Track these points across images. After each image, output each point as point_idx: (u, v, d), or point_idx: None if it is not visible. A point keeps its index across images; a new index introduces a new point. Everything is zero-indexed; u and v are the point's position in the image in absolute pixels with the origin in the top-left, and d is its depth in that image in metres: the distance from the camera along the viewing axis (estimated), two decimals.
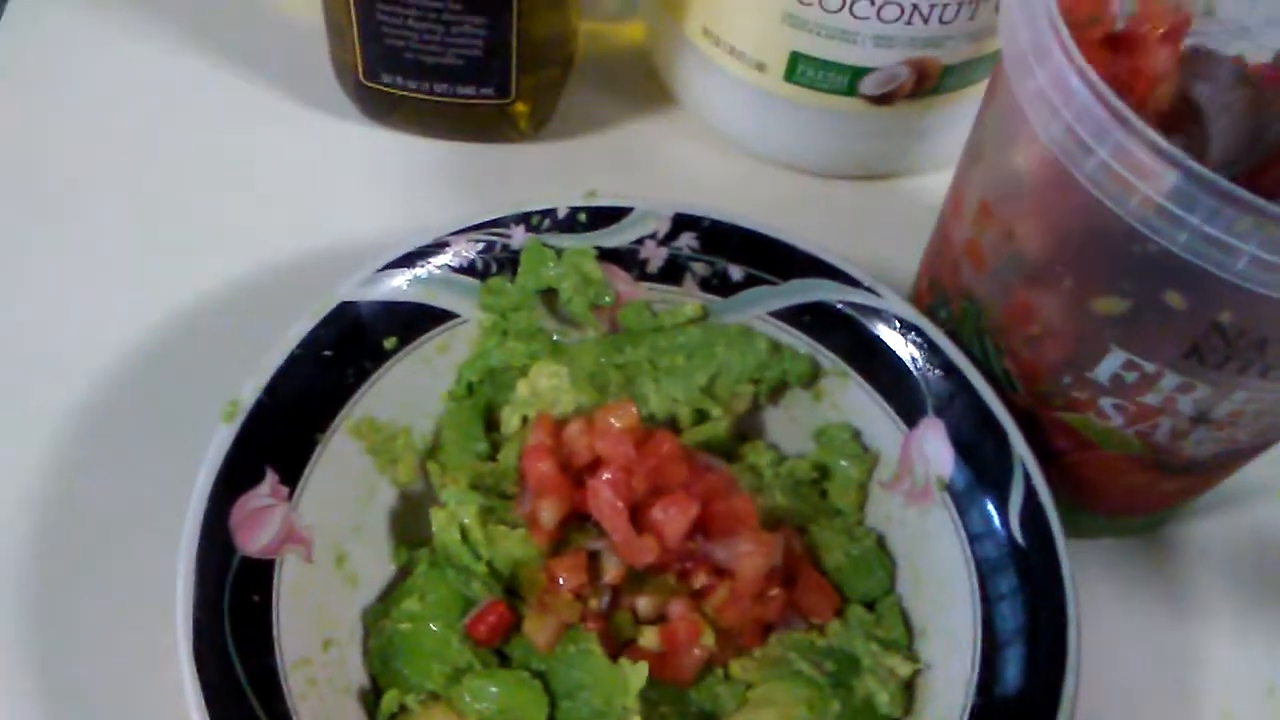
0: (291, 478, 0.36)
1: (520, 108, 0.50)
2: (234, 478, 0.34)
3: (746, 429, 0.42)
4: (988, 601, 0.35)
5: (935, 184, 0.45)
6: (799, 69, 0.47)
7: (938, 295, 0.39)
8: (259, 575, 0.34)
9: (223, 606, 0.32)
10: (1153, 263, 0.29)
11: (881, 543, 0.39)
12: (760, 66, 0.47)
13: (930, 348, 0.38)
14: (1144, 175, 0.28)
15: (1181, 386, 0.32)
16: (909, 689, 0.36)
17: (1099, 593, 0.41)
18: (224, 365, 0.37)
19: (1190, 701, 0.40)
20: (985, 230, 0.35)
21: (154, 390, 0.43)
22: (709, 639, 0.36)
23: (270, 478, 0.35)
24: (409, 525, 0.39)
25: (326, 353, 0.37)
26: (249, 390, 0.35)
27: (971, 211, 0.36)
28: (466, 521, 0.37)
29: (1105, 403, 0.34)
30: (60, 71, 0.52)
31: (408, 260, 0.39)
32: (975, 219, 0.36)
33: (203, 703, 0.30)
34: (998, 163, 0.35)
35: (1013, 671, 0.33)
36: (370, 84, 0.48)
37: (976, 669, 0.34)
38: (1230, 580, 0.43)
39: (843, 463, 0.40)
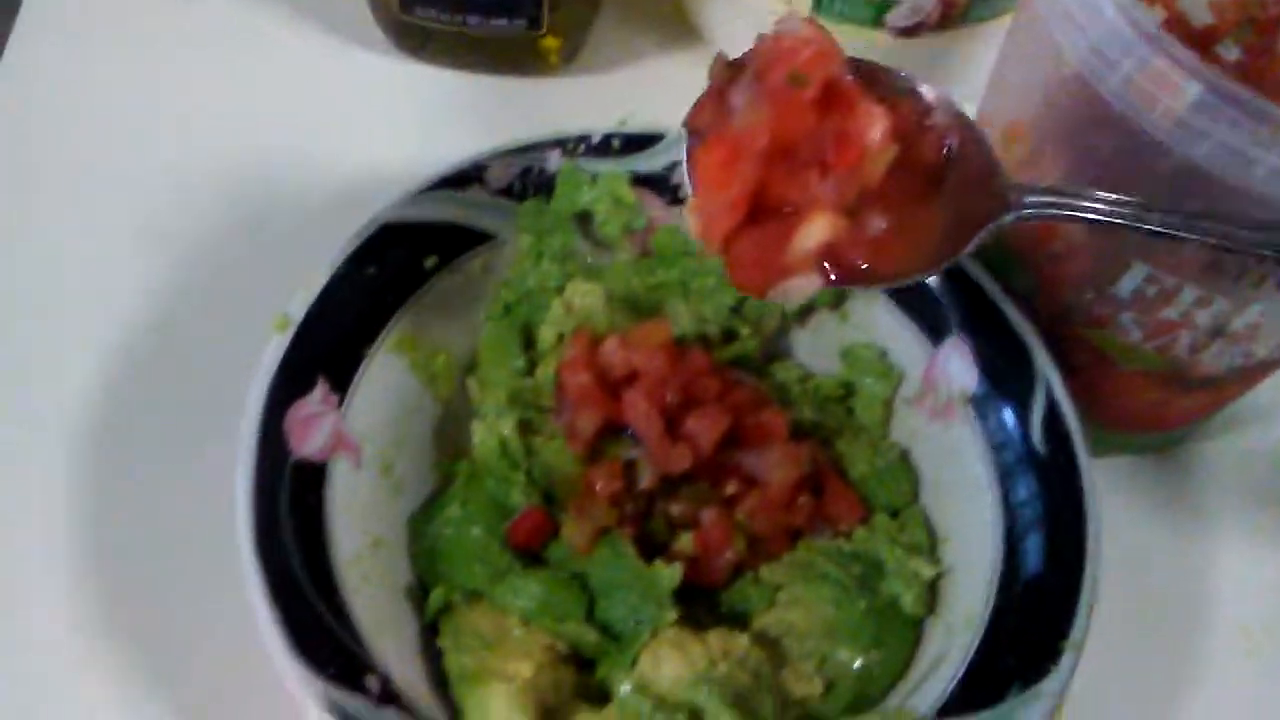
0: (340, 387, 0.37)
1: (551, 41, 0.51)
2: (287, 384, 0.36)
3: (775, 349, 0.44)
4: (1009, 507, 0.37)
5: None
6: (826, 1, 0.47)
7: None
8: (312, 476, 0.36)
9: (279, 504, 0.34)
10: (1176, 175, 0.30)
11: (905, 456, 0.41)
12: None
13: (955, 267, 0.40)
14: (1167, 88, 0.29)
15: (1200, 300, 0.33)
16: (932, 590, 0.38)
17: (1117, 510, 0.43)
18: (273, 284, 0.39)
19: (1207, 616, 0.42)
20: (1012, 150, 0.36)
21: (206, 311, 0.45)
22: (740, 544, 0.38)
23: (321, 386, 0.37)
24: (451, 438, 0.41)
25: (370, 270, 0.39)
26: (298, 303, 0.37)
27: (999, 133, 0.37)
28: (505, 433, 0.39)
29: (1125, 317, 0.35)
30: (93, 7, 0.53)
31: (446, 182, 0.40)
32: (1003, 140, 0.37)
33: (266, 592, 0.32)
34: (1025, 84, 0.36)
35: (1033, 560, 0.35)
36: (406, 17, 0.49)
37: (998, 570, 0.36)
38: (1246, 499, 0.44)
39: (868, 380, 0.41)
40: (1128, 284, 0.34)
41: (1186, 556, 0.43)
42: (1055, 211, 0.32)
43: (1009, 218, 0.32)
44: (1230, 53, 0.38)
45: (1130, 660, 0.40)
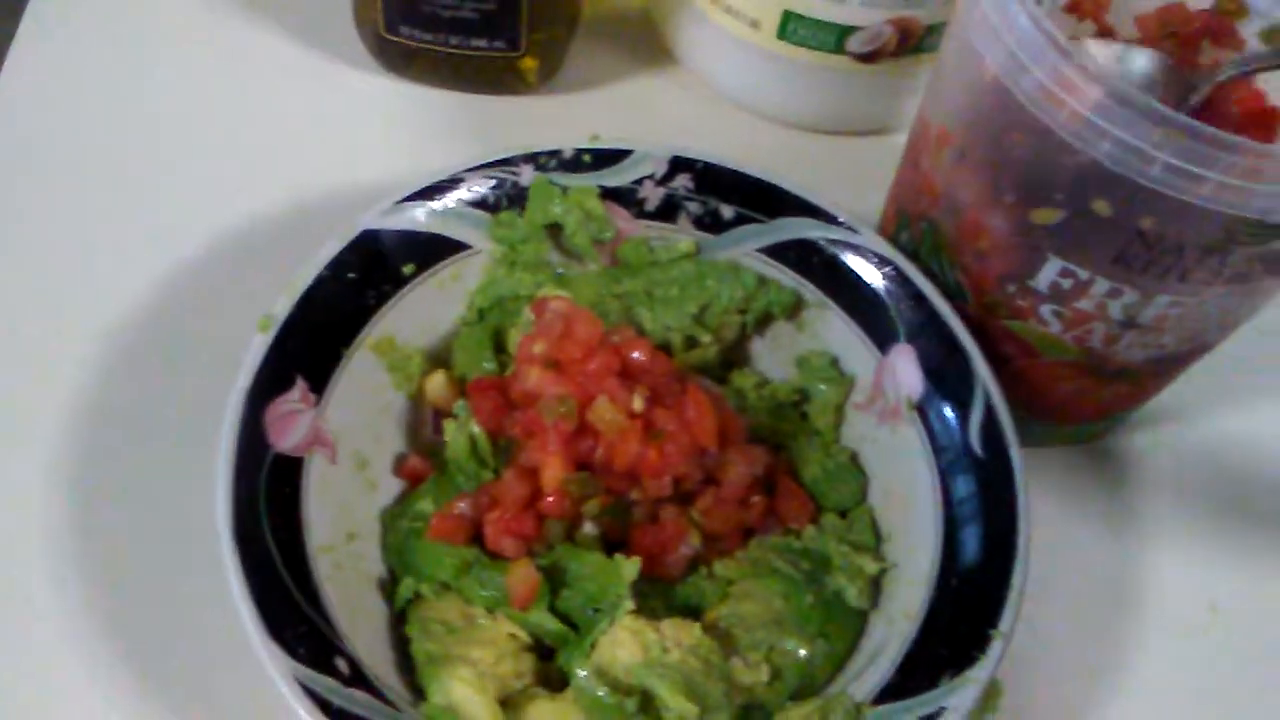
0: (319, 386, 0.39)
1: (529, 62, 0.53)
2: (268, 382, 0.38)
3: (735, 358, 0.46)
4: (949, 506, 0.39)
5: None
6: (790, 27, 0.50)
7: (900, 220, 0.43)
8: (289, 470, 0.38)
9: (257, 494, 0.36)
10: (1082, 173, 0.33)
11: (855, 458, 0.43)
12: (755, 24, 0.51)
13: (902, 280, 0.42)
14: (1073, 92, 0.31)
15: (1111, 292, 0.36)
16: (876, 585, 0.40)
17: (1048, 501, 0.45)
18: (257, 290, 0.41)
19: (1133, 611, 0.44)
20: (941, 155, 0.39)
21: (193, 312, 0.47)
22: (695, 540, 0.40)
23: (300, 385, 0.39)
24: (424, 437, 0.43)
25: (351, 275, 0.41)
26: (282, 304, 0.39)
27: (930, 139, 0.40)
28: (475, 432, 0.41)
29: (1045, 309, 0.38)
30: (90, 21, 0.55)
31: (425, 194, 0.43)
32: (934, 146, 0.39)
33: (242, 575, 0.34)
34: (953, 92, 0.39)
35: (969, 556, 0.37)
36: (389, 36, 0.52)
37: (936, 566, 0.38)
38: (1173, 493, 0.46)
39: (821, 386, 0.44)
40: (1045, 277, 0.37)
41: (1116, 545, 0.45)
42: None
43: None
44: None
45: (1063, 646, 0.42)
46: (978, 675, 0.34)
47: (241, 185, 0.50)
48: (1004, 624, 0.35)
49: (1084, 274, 0.37)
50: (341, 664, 0.34)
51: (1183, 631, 0.43)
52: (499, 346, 0.44)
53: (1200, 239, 0.34)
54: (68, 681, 0.38)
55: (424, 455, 0.42)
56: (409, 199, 0.42)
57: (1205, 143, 0.31)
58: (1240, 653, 0.43)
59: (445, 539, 0.39)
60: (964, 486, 0.39)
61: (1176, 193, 0.32)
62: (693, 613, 0.39)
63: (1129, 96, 0.31)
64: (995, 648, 0.35)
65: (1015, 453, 0.38)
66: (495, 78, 0.54)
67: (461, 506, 0.40)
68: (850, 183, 0.50)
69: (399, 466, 0.42)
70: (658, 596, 0.40)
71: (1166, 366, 0.41)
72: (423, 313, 0.43)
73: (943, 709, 0.34)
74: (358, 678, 0.34)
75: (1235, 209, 0.32)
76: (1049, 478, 0.46)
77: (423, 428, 0.43)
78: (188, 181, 0.50)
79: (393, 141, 0.53)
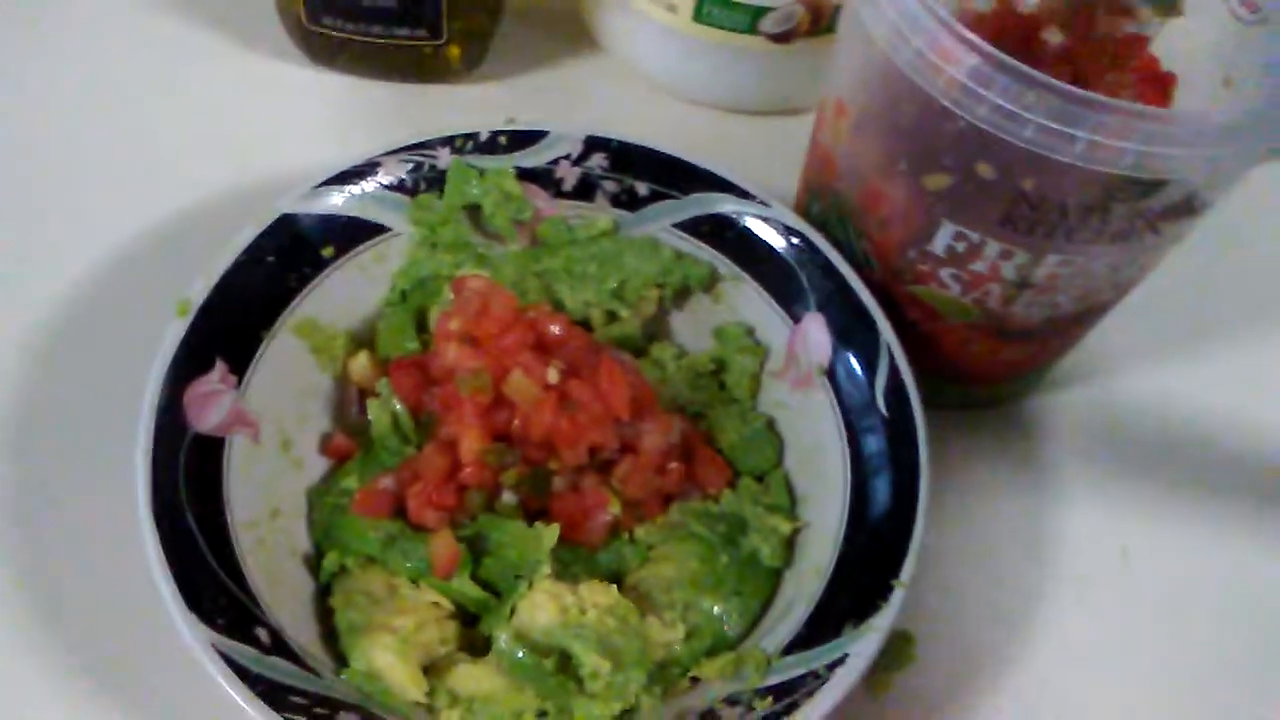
0: (239, 368, 0.40)
1: (453, 50, 0.54)
2: (187, 364, 0.39)
3: (655, 331, 0.47)
4: (858, 464, 0.40)
5: None
6: (705, 9, 0.51)
7: (811, 195, 0.44)
8: (210, 449, 0.38)
9: (177, 471, 0.37)
10: (964, 137, 0.34)
11: (771, 424, 0.44)
12: (671, 8, 0.52)
13: (812, 250, 0.43)
14: (950, 59, 0.33)
15: (1003, 253, 0.37)
16: (790, 545, 0.41)
17: (963, 463, 0.46)
18: (175, 276, 0.41)
19: (1045, 565, 0.45)
20: (840, 127, 0.40)
21: (110, 300, 0.47)
22: (615, 507, 0.41)
23: (220, 367, 0.40)
24: (348, 416, 0.44)
25: (269, 258, 0.42)
26: (199, 288, 0.40)
27: (830, 113, 0.41)
28: (398, 409, 0.42)
29: (944, 273, 0.39)
30: (5, 9, 0.55)
31: (343, 178, 0.43)
32: (833, 119, 0.41)
33: (159, 548, 0.35)
34: (847, 66, 0.40)
35: (875, 511, 0.38)
36: (313, 27, 0.52)
37: (844, 523, 0.39)
38: (1081, 451, 0.48)
39: (738, 356, 0.45)
40: (941, 241, 0.38)
41: (1030, 502, 0.46)
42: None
43: None
44: (1055, 38, 0.43)
45: (977, 599, 0.44)
46: (879, 623, 0.36)
47: (164, 177, 0.51)
48: (905, 574, 0.36)
49: (975, 236, 0.38)
50: (262, 633, 0.35)
51: (1093, 580, 0.45)
52: (421, 326, 0.45)
53: (1080, 198, 0.35)
54: None
55: (349, 434, 0.43)
56: (327, 183, 0.43)
57: (1075, 103, 0.33)
58: (1149, 599, 0.45)
59: (370, 513, 0.40)
60: (872, 444, 0.40)
61: (1052, 153, 0.33)
62: (615, 578, 0.41)
63: (1002, 61, 0.33)
64: (896, 597, 0.36)
65: (917, 409, 0.39)
66: (421, 66, 0.55)
67: (385, 482, 0.40)
68: (771, 162, 0.51)
69: (325, 445, 0.43)
70: (580, 563, 0.41)
71: (1065, 326, 0.43)
72: (345, 294, 0.44)
73: (846, 655, 0.35)
74: (278, 647, 0.35)
75: (1109, 167, 0.34)
76: (963, 440, 0.47)
77: (348, 407, 0.44)
78: (109, 172, 0.51)
79: (319, 131, 0.54)
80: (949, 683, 0.42)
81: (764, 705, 0.35)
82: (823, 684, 0.35)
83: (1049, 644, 0.43)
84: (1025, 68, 0.33)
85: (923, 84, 0.34)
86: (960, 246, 0.39)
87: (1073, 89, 0.33)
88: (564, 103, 0.57)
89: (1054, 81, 0.33)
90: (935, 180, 0.37)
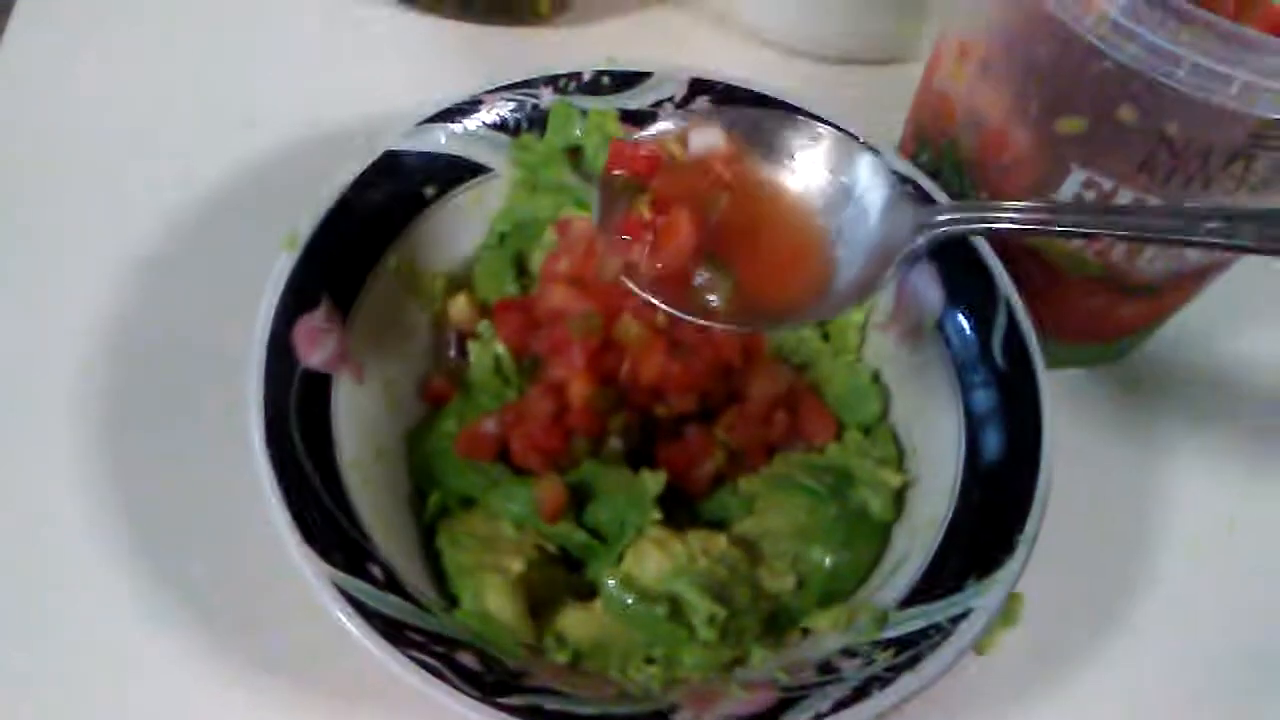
0: (344, 306, 0.40)
1: None
2: (295, 299, 0.38)
3: None
4: (971, 419, 0.39)
5: None
6: None
7: (920, 142, 0.43)
8: (318, 386, 0.38)
9: (289, 407, 0.36)
10: (1107, 78, 0.33)
11: (877, 376, 0.43)
12: None
13: (924, 199, 0.42)
14: None
15: (1135, 201, 0.36)
16: (899, 499, 0.40)
17: (1066, 421, 0.45)
18: (277, 212, 0.41)
19: (1151, 528, 0.44)
20: (962, 70, 0.39)
21: (213, 236, 0.47)
22: (720, 457, 0.40)
23: (326, 303, 0.39)
24: (446, 358, 0.43)
25: (373, 195, 0.41)
26: (306, 223, 0.39)
27: (951, 56, 0.40)
28: (500, 351, 0.41)
29: None
30: None
31: (446, 115, 0.43)
32: (954, 62, 0.39)
33: (276, 483, 0.34)
34: (974, 6, 0.38)
35: (992, 466, 0.37)
36: None
37: (959, 478, 0.38)
38: (1190, 414, 0.47)
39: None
40: (1068, 189, 0.37)
41: (1134, 463, 0.45)
42: (965, 226, 0.35)
43: (920, 241, 0.35)
44: None
45: (1084, 559, 0.43)
46: (1004, 577, 0.35)
47: (265, 113, 0.50)
48: (1029, 528, 0.36)
49: (1107, 184, 0.37)
50: (376, 570, 0.35)
51: (1200, 545, 0.44)
52: (520, 270, 0.44)
53: (1226, 144, 0.34)
54: (111, 605, 0.39)
55: (446, 377, 0.43)
56: (430, 121, 0.42)
57: (1234, 42, 0.31)
58: (1257, 570, 0.44)
59: (472, 456, 0.39)
60: (985, 399, 0.39)
61: (1203, 95, 0.32)
62: (718, 528, 0.40)
63: None
64: (1021, 551, 0.35)
65: (1038, 361, 0.38)
66: (510, 8, 0.54)
67: (487, 424, 0.40)
68: (866, 111, 0.50)
69: (422, 388, 0.42)
70: (683, 512, 0.40)
71: (1186, 281, 0.41)
72: (444, 236, 0.43)
73: (970, 609, 0.34)
74: (392, 584, 0.35)
75: (1267, 111, 0.32)
76: (1067, 399, 0.46)
77: (445, 350, 0.44)
78: (204, 115, 0.50)
79: (411, 74, 0.53)
80: (1052, 641, 0.41)
81: (885, 657, 0.34)
82: (946, 637, 0.34)
83: (1154, 606, 0.43)
84: (1183, 3, 0.31)
85: (1068, 20, 0.33)
86: (1089, 194, 0.37)
87: (1235, 27, 0.31)
88: (652, 48, 0.55)
89: (1214, 18, 0.31)
90: (1069, 124, 0.36)
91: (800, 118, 0.39)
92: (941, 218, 0.36)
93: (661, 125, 0.38)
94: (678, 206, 0.36)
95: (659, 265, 0.36)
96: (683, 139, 0.38)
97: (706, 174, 0.37)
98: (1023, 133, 0.38)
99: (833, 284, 0.36)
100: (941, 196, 0.41)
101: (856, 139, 0.39)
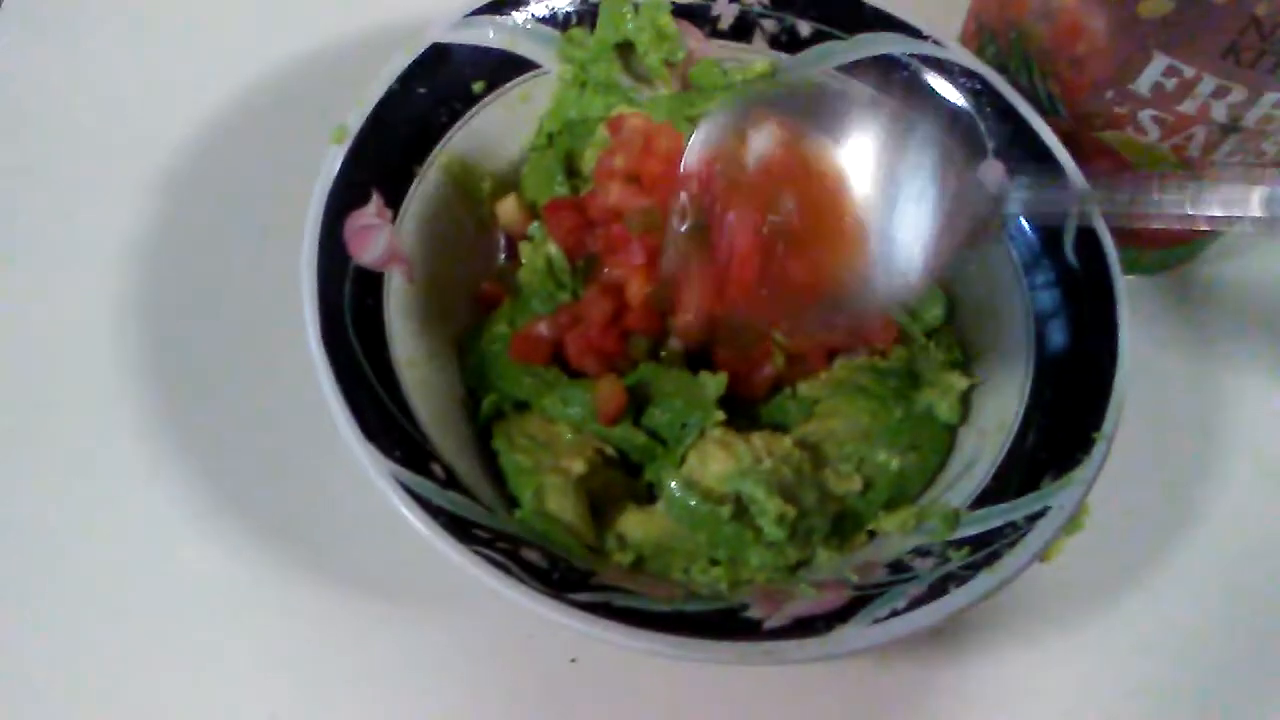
0: (394, 202, 0.38)
1: None
2: (345, 193, 0.37)
3: None
4: (1040, 318, 0.38)
5: None
6: None
7: (985, 34, 0.41)
8: (371, 282, 0.37)
9: (343, 303, 0.35)
10: None
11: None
12: None
13: (990, 93, 0.40)
14: None
15: (1217, 91, 0.35)
16: (965, 402, 0.39)
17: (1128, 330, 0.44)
18: (323, 103, 0.39)
19: (1219, 438, 0.43)
20: None
21: (261, 124, 0.46)
22: (779, 359, 0.39)
23: (376, 199, 0.38)
24: (493, 260, 0.42)
25: (421, 90, 0.39)
26: (354, 116, 0.38)
27: None
28: (552, 252, 0.40)
29: (1145, 115, 0.37)
30: None
31: (494, 7, 0.41)
32: None
33: (333, 377, 0.33)
34: None
35: (1064, 366, 0.37)
36: None
37: (1030, 377, 0.37)
38: (1256, 322, 0.45)
39: None
40: (1148, 78, 0.36)
41: (1198, 373, 0.45)
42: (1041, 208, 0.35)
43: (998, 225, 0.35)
44: None
45: (1148, 468, 0.42)
46: (1082, 476, 0.34)
47: (299, 12, 0.48)
48: (1107, 426, 0.35)
49: (1190, 71, 0.35)
50: (436, 468, 0.34)
51: (1268, 455, 0.43)
52: (570, 171, 0.43)
53: None
54: (160, 507, 0.38)
55: (497, 280, 0.41)
56: (478, 12, 0.41)
57: None
58: None
59: (526, 359, 0.38)
60: (1055, 299, 0.38)
61: None
62: (779, 431, 0.39)
63: None
64: (1099, 449, 0.34)
65: (1113, 259, 0.37)
66: None
67: (541, 327, 0.39)
68: (923, 4, 0.48)
69: (472, 291, 0.41)
70: (743, 416, 0.39)
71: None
72: (492, 135, 0.42)
73: (1047, 508, 0.34)
74: (453, 482, 0.34)
75: None
76: (1131, 305, 0.45)
77: (494, 252, 0.42)
78: (248, 10, 0.49)
79: None
80: (1116, 550, 0.41)
81: (960, 556, 0.33)
82: (1023, 535, 0.33)
83: (1220, 521, 0.42)
84: None
85: None
86: (1170, 83, 0.36)
87: None
88: None
89: None
90: (1154, 6, 0.35)
91: (850, 92, 0.39)
92: (1018, 194, 0.35)
93: (709, 127, 0.37)
94: (744, 234, 0.35)
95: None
96: (742, 135, 0.36)
97: (770, 180, 0.36)
98: (1099, 19, 0.36)
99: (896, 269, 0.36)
100: (1011, 94, 0.40)
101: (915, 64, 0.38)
